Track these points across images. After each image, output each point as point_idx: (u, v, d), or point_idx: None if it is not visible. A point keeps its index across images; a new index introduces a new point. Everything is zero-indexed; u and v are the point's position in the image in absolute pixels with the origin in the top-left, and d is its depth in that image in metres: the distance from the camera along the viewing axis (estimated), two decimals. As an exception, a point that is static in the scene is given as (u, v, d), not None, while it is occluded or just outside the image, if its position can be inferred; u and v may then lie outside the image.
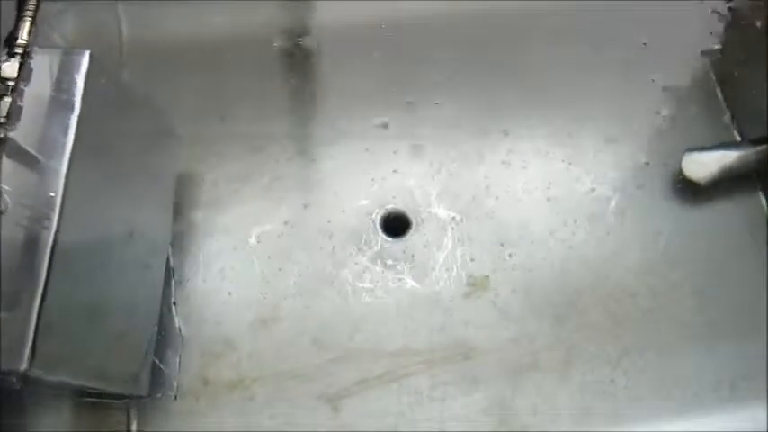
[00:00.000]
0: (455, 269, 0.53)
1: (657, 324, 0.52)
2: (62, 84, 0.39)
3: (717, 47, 0.61)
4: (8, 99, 0.35)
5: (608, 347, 0.51)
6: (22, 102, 0.36)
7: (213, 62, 0.61)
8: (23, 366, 0.34)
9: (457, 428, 0.48)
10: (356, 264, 0.53)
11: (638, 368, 0.50)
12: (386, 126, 0.58)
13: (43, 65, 0.39)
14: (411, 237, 0.54)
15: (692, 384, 0.50)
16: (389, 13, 0.63)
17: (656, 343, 0.51)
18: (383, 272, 0.53)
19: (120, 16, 0.62)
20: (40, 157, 0.37)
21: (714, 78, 0.60)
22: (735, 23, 0.62)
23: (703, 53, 0.61)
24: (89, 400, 0.47)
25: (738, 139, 0.57)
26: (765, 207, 0.55)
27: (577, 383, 0.50)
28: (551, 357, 0.50)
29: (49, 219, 0.36)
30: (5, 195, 0.36)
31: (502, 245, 0.54)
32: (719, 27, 0.62)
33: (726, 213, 0.55)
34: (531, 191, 0.56)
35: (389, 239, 0.54)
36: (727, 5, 0.62)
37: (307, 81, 0.60)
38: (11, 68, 0.36)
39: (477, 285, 0.52)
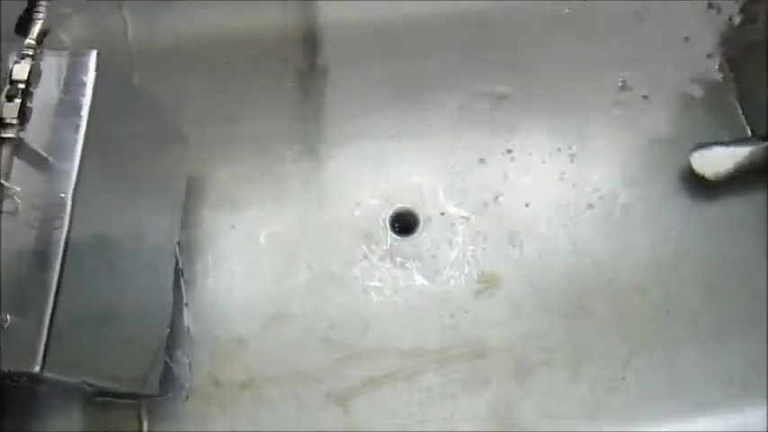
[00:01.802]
0: (465, 267, 0.53)
1: (667, 321, 0.52)
2: (71, 85, 0.39)
3: (729, 43, 0.61)
4: (18, 101, 0.35)
5: (618, 345, 0.51)
6: (31, 103, 0.36)
7: (220, 64, 0.61)
8: (36, 368, 0.34)
9: (467, 427, 0.48)
10: (366, 263, 0.53)
11: (649, 366, 0.50)
12: (393, 126, 0.58)
13: (52, 66, 0.39)
14: (421, 235, 0.54)
15: (702, 381, 0.50)
16: (394, 14, 0.62)
17: (666, 340, 0.51)
18: (393, 270, 0.53)
19: (127, 19, 0.62)
20: (50, 159, 0.37)
21: (725, 74, 0.60)
22: (746, 19, 0.61)
23: (714, 49, 0.61)
24: (101, 400, 0.48)
25: (749, 134, 0.57)
26: (776, 203, 0.55)
27: (588, 381, 0.50)
28: (562, 355, 0.50)
29: (61, 220, 0.36)
30: (16, 197, 0.36)
31: (511, 242, 0.54)
32: (731, 23, 0.62)
33: (736, 209, 0.55)
34: (540, 188, 0.56)
35: (399, 238, 0.54)
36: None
37: (314, 82, 0.60)
38: (21, 70, 0.36)
39: (487, 283, 0.52)
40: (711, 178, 0.53)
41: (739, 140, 0.55)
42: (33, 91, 0.36)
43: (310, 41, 0.62)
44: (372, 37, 0.62)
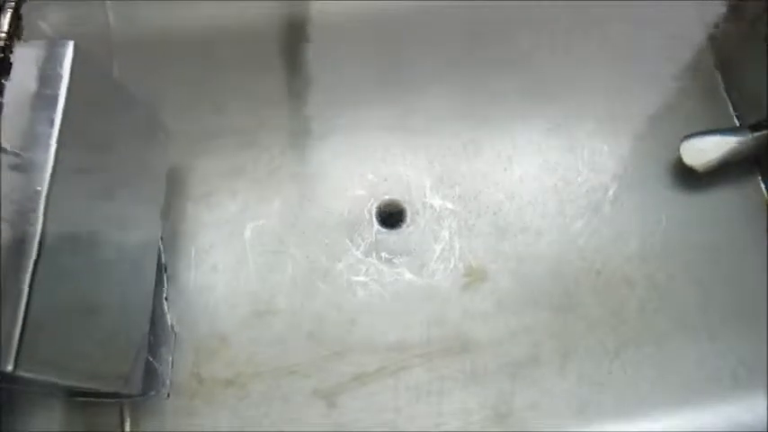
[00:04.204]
0: (452, 260, 0.52)
1: (656, 314, 0.51)
2: (46, 76, 0.38)
3: (716, 32, 0.61)
4: (-11, 92, 0.34)
5: (606, 339, 0.50)
6: (3, 96, 0.35)
7: (204, 55, 0.60)
8: (9, 367, 0.33)
9: (455, 423, 0.48)
10: (351, 257, 0.52)
11: (637, 360, 0.50)
12: (380, 117, 0.57)
13: (27, 57, 0.38)
14: (407, 228, 0.53)
15: (691, 375, 0.49)
16: (384, 5, 0.62)
17: (654, 333, 0.50)
18: (379, 264, 0.52)
19: (108, 8, 0.61)
20: (25, 152, 0.36)
21: (713, 64, 0.59)
22: (734, 8, 0.61)
23: (703, 40, 0.61)
24: (81, 400, 0.47)
25: (737, 124, 0.57)
26: (765, 193, 0.55)
27: (576, 376, 0.49)
28: (549, 350, 0.50)
29: (35, 214, 0.35)
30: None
31: (499, 235, 0.53)
32: (718, 12, 0.61)
33: (725, 200, 0.54)
34: (528, 181, 0.55)
35: (385, 231, 0.53)
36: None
37: (299, 73, 0.59)
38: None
39: (474, 276, 0.52)
40: (701, 169, 0.53)
41: (728, 130, 0.54)
42: (5, 83, 0.35)
43: (297, 32, 0.61)
44: (361, 29, 0.61)
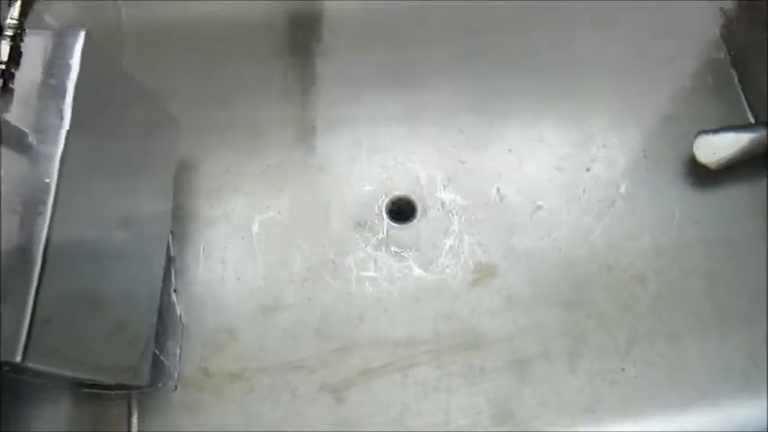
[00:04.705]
0: (462, 256, 0.52)
1: (668, 311, 0.51)
2: (57, 65, 0.38)
3: (731, 29, 0.60)
4: (-1, 82, 0.34)
5: (618, 335, 0.50)
6: (13, 84, 0.34)
7: (213, 48, 0.60)
8: (17, 358, 0.33)
9: (463, 420, 0.47)
10: (361, 251, 0.52)
11: (649, 356, 0.49)
12: (389, 112, 0.57)
13: (37, 47, 0.38)
14: (417, 223, 0.53)
15: (703, 372, 0.49)
16: (387, 2, 0.61)
17: (666, 330, 0.50)
18: (388, 259, 0.52)
19: (120, 2, 0.61)
20: (33, 142, 0.36)
21: (728, 59, 0.59)
22: (749, 6, 0.60)
23: (717, 36, 0.60)
24: (89, 391, 0.47)
25: (752, 121, 0.56)
26: (778, 190, 0.54)
27: (586, 373, 0.49)
28: (560, 346, 0.49)
29: (44, 205, 0.35)
30: (-1, 182, 0.35)
31: (509, 231, 0.53)
32: (734, 6, 0.61)
33: (738, 197, 0.54)
34: (538, 176, 0.55)
35: (395, 226, 0.53)
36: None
37: (307, 66, 0.59)
38: (1, 51, 0.34)
39: (484, 272, 0.51)
40: (714, 165, 0.52)
41: (742, 127, 0.54)
42: (14, 72, 0.35)
43: (305, 28, 0.61)
44: (369, 22, 0.61)
